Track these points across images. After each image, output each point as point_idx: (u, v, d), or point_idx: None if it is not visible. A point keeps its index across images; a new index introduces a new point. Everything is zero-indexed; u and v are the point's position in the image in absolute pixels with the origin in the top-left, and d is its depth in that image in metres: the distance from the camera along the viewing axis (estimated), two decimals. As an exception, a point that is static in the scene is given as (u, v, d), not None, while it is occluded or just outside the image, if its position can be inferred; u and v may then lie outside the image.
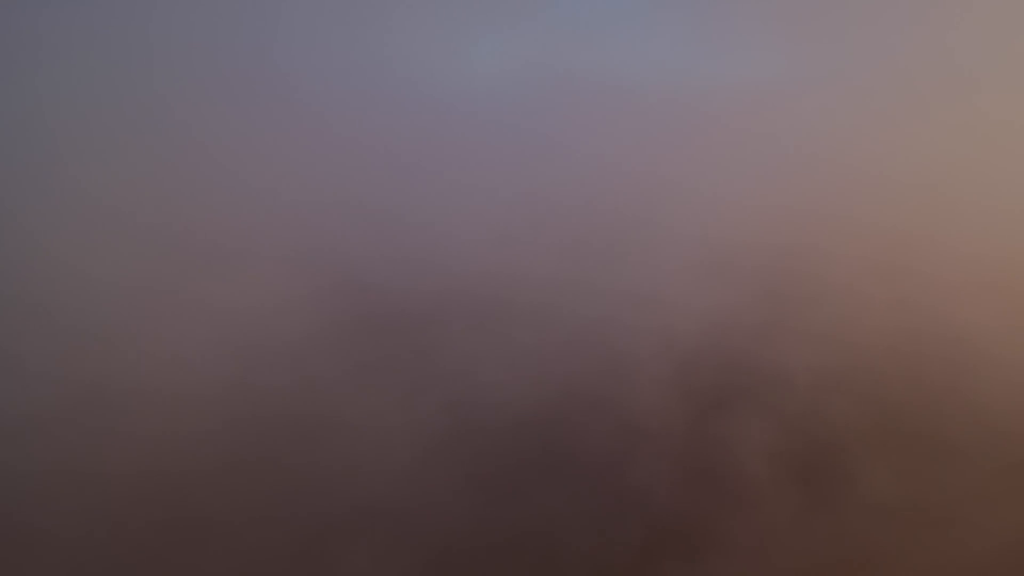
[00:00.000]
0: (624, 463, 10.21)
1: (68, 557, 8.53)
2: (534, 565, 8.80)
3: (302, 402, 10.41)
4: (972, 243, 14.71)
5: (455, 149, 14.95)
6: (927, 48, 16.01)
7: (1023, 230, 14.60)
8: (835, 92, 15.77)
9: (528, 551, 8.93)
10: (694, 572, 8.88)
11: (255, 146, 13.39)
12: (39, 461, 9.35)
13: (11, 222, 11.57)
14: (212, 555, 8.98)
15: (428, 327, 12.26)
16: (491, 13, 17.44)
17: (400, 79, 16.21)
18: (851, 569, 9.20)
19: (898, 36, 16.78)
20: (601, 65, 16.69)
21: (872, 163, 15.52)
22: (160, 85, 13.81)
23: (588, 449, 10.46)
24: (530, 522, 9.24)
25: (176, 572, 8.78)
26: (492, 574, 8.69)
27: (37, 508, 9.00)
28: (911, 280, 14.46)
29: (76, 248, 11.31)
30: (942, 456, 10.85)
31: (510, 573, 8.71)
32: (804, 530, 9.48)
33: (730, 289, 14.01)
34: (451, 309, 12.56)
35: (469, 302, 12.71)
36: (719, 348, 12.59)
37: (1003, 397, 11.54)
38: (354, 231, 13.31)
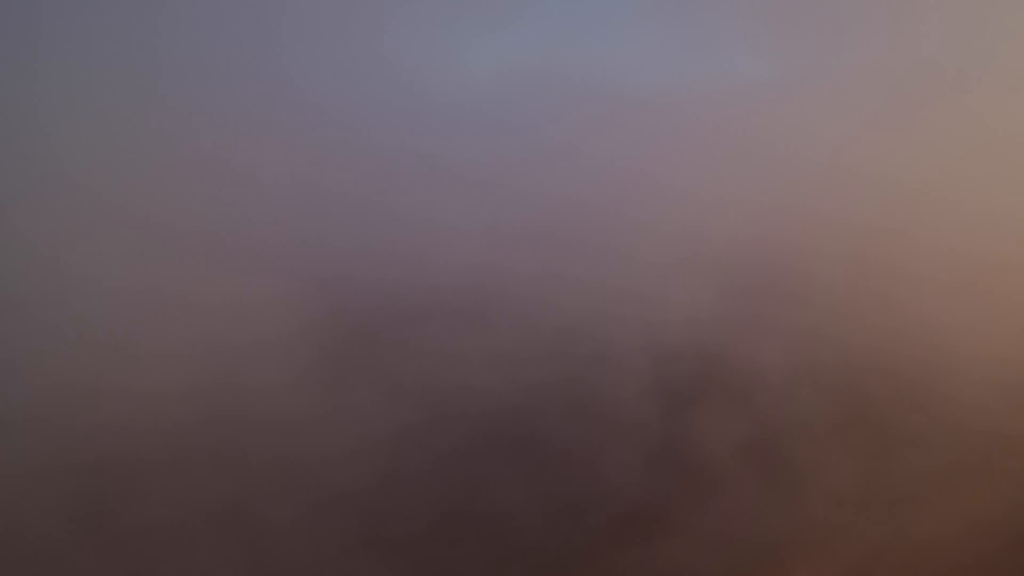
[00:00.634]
0: (595, 453, 10.54)
1: (50, 549, 8.80)
2: (499, 549, 9.12)
3: (282, 397, 10.69)
4: (954, 243, 14.91)
5: (444, 149, 15.16)
6: (910, 55, 16.20)
7: (1004, 232, 14.79)
8: (819, 96, 15.95)
9: (493, 536, 9.27)
10: (655, 555, 9.31)
11: (242, 146, 13.60)
12: (26, 456, 9.62)
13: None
14: (196, 543, 9.27)
15: (412, 323, 12.51)
16: (485, 16, 17.59)
17: (393, 81, 16.38)
18: (806, 550, 9.53)
19: (882, 43, 16.96)
20: (590, 68, 16.87)
21: (856, 164, 15.70)
22: (151, 85, 13.99)
23: (561, 440, 10.76)
24: (496, 509, 9.58)
25: (163, 561, 9.07)
26: (460, 558, 9.02)
27: (23, 502, 9.27)
28: (892, 278, 14.66)
29: (62, 246, 11.54)
30: (902, 446, 11.18)
31: (477, 557, 9.05)
32: (762, 515, 9.84)
33: (713, 286, 14.25)
34: (435, 306, 12.81)
35: (453, 299, 12.96)
36: (698, 343, 12.85)
37: (966, 391, 11.87)
38: (340, 229, 13.54)
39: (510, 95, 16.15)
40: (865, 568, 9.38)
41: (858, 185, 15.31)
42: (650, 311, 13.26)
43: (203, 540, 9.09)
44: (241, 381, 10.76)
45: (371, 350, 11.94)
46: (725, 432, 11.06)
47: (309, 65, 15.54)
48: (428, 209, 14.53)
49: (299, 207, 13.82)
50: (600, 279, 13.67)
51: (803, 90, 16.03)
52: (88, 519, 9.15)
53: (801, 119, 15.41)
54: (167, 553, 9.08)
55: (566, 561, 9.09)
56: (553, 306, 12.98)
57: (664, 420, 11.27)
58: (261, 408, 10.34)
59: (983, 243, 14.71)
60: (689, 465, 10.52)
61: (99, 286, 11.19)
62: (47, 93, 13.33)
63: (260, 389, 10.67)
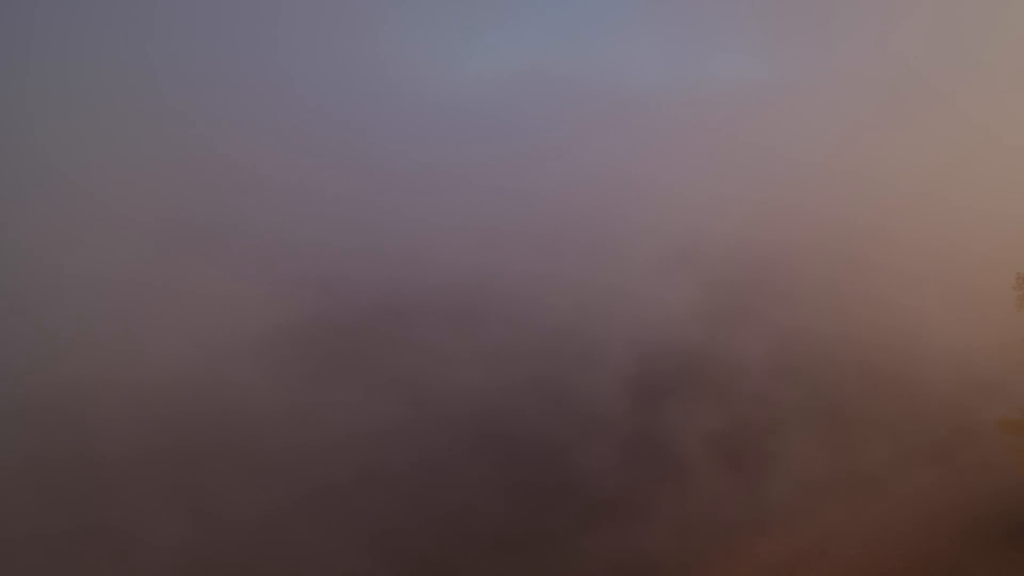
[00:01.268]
0: (571, 445, 11.01)
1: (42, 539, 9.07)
2: (473, 536, 9.51)
3: (269, 392, 10.98)
4: (937, 241, 15.22)
5: (438, 150, 15.46)
6: (898, 59, 16.51)
7: (985, 229, 15.03)
8: (809, 98, 16.42)
9: (468, 524, 9.69)
10: (622, 538, 10.05)
11: (239, 147, 13.89)
12: (20, 450, 9.92)
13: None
14: (176, 533, 9.54)
15: (402, 321, 12.80)
16: (481, 21, 17.81)
17: (388, 82, 16.67)
18: (767, 529, 10.16)
19: (870, 47, 17.21)
20: (584, 72, 17.19)
21: (843, 165, 16.09)
22: (150, 88, 14.21)
23: (540, 434, 11.22)
24: (472, 499, 10.03)
25: (150, 550, 9.36)
26: (436, 546, 9.46)
27: (22, 492, 9.56)
28: (877, 275, 14.96)
29: (51, 244, 11.78)
30: (871, 434, 11.66)
31: (451, 545, 9.50)
32: (726, 499, 10.35)
33: (699, 282, 14.56)
34: (425, 303, 13.14)
35: (442, 296, 13.28)
36: (682, 338, 13.20)
37: (937, 380, 12.29)
38: (334, 228, 13.85)
39: (505, 97, 16.48)
40: (824, 545, 9.77)
41: (845, 185, 15.61)
42: (640, 309, 13.58)
43: (184, 530, 9.41)
44: (230, 376, 11.08)
45: (361, 346, 12.26)
46: (698, 423, 11.47)
47: (307, 67, 15.81)
48: (422, 209, 14.86)
49: (294, 207, 14.14)
50: (591, 278, 13.99)
51: (793, 93, 16.38)
52: (74, 509, 9.46)
53: (790, 122, 15.78)
54: (154, 543, 9.39)
55: (536, 546, 9.49)
56: (543, 304, 13.28)
57: (641, 412, 11.68)
58: (247, 402, 10.66)
59: (965, 240, 14.99)
60: (660, 454, 10.96)
61: (93, 283, 11.40)
62: (44, 94, 13.57)
63: (247, 383, 11.01)
